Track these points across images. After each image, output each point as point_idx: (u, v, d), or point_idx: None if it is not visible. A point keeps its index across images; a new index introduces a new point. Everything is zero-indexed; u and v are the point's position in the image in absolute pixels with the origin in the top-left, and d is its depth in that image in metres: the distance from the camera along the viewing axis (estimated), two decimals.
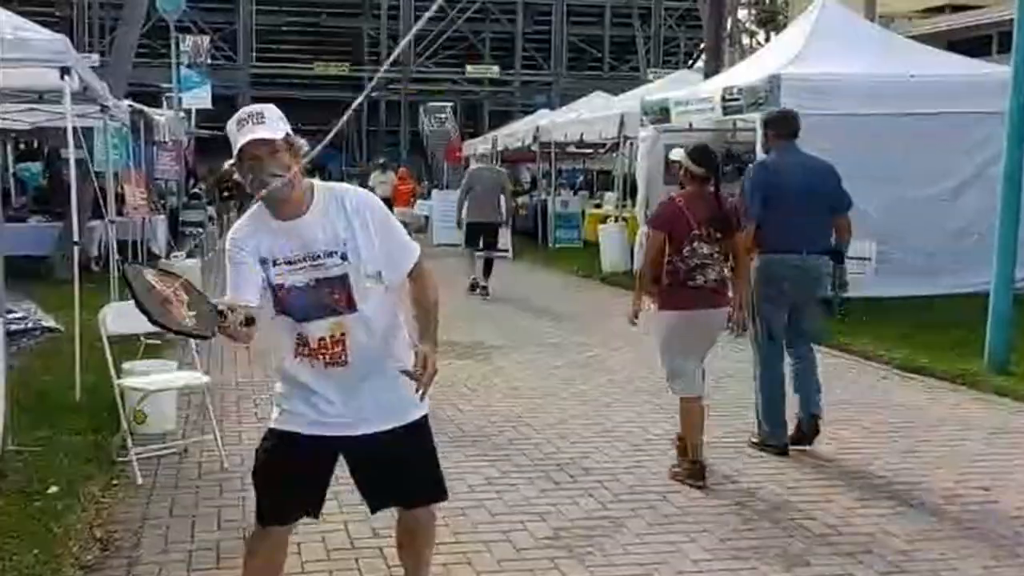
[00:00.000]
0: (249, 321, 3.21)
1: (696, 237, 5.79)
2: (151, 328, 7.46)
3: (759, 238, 6.33)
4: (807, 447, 6.50)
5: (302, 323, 3.46)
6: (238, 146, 3.32)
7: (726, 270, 5.91)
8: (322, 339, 3.45)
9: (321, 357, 3.47)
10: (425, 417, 3.66)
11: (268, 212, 3.43)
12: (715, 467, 6.08)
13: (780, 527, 5.17)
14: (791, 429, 6.53)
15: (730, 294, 5.98)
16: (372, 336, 3.48)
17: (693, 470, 5.80)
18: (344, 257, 3.40)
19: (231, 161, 3.39)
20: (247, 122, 3.33)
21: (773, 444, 6.42)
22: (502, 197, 14.96)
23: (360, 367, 3.48)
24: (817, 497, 5.63)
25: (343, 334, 3.45)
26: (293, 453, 3.53)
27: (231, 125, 3.36)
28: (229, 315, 3.15)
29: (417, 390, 3.47)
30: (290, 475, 3.53)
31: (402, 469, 3.61)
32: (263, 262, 3.42)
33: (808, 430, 6.54)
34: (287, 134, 3.37)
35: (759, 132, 11.54)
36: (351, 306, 3.43)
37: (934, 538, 5.03)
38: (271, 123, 3.34)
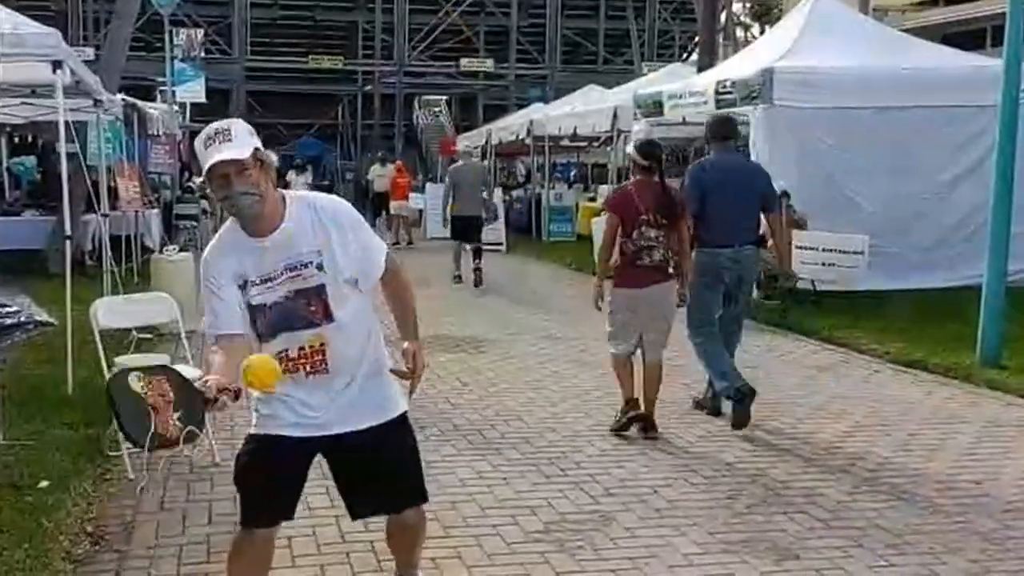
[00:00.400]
0: (237, 395, 3.25)
1: (644, 222, 6.47)
2: (143, 322, 7.44)
3: (698, 233, 6.82)
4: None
5: (283, 337, 3.43)
6: (206, 166, 3.27)
7: (669, 252, 6.53)
8: (302, 348, 3.44)
9: (302, 367, 3.45)
10: (405, 414, 3.65)
11: (241, 229, 3.40)
12: (705, 461, 6.12)
13: (770, 521, 5.18)
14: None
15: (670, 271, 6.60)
16: (351, 342, 3.48)
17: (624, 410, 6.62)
18: (320, 267, 3.39)
19: (201, 179, 3.36)
20: (214, 141, 3.28)
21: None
22: (485, 192, 15.61)
23: (341, 373, 3.48)
24: (808, 490, 5.64)
25: (323, 344, 3.44)
26: (274, 455, 3.51)
27: (198, 144, 3.32)
28: (220, 398, 3.16)
29: (411, 391, 3.49)
30: (273, 477, 3.51)
31: (385, 470, 3.59)
32: (241, 288, 3.40)
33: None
34: (256, 149, 3.30)
35: (752, 126, 11.74)
36: (328, 316, 3.42)
37: (925, 531, 5.04)
38: (238, 140, 3.28)
